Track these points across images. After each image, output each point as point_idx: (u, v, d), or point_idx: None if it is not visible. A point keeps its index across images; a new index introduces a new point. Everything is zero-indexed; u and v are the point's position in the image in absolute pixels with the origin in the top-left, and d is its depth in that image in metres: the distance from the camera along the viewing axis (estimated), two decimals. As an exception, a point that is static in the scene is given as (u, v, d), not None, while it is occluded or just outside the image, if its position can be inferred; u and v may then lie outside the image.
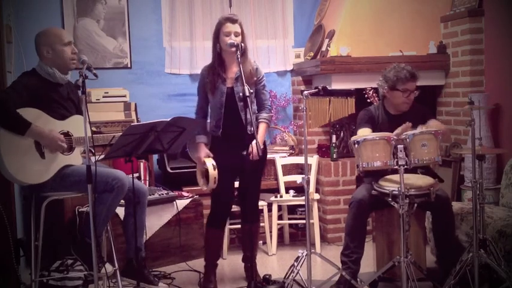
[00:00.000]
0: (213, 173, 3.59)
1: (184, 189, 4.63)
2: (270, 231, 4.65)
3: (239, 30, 3.60)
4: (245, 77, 3.48)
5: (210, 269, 3.86)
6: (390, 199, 3.28)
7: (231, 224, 4.49)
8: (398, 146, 3.25)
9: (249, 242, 3.83)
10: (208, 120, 3.78)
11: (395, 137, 3.30)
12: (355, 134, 3.68)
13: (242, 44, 3.55)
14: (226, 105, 3.66)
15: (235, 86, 3.65)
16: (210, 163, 3.61)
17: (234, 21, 3.61)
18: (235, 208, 4.12)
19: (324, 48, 5.00)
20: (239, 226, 4.10)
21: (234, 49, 3.51)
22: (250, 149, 3.53)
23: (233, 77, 3.67)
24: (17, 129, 3.13)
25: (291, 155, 5.04)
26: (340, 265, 3.60)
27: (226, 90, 3.65)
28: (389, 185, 3.37)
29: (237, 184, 3.92)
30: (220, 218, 3.83)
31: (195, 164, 3.79)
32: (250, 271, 3.71)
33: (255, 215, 3.89)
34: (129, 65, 5.12)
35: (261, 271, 3.90)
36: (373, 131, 3.64)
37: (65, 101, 3.38)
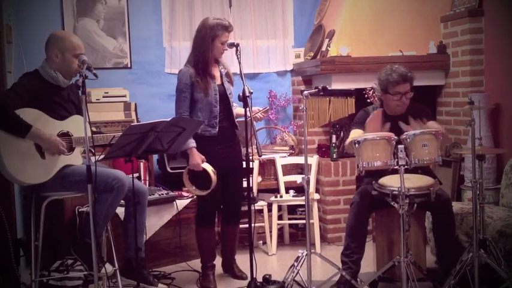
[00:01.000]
0: (214, 178, 3.61)
1: (184, 189, 4.63)
2: (270, 231, 4.65)
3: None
4: (228, 76, 3.79)
5: (208, 269, 3.87)
6: (390, 199, 3.28)
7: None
8: (399, 146, 3.25)
9: (231, 244, 3.95)
10: None
11: (396, 137, 3.30)
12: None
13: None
14: (220, 102, 3.68)
15: (224, 83, 3.76)
16: (210, 169, 3.61)
17: (231, 30, 3.70)
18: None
19: (324, 48, 5.00)
20: (240, 226, 4.11)
21: (226, 49, 3.68)
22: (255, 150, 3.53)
23: (218, 75, 3.75)
24: (17, 132, 3.13)
25: (291, 155, 5.04)
26: (340, 265, 3.60)
27: (218, 87, 3.69)
28: (389, 185, 3.36)
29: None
30: (211, 217, 3.86)
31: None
32: (251, 271, 3.69)
33: (239, 217, 3.97)
34: (129, 65, 5.12)
35: (261, 271, 3.89)
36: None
37: (65, 102, 3.38)
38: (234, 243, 4.02)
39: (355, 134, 3.58)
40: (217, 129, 3.68)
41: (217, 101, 3.67)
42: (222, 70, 3.78)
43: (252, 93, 3.47)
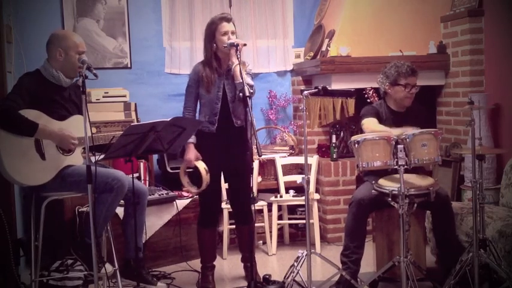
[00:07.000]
0: (206, 177, 3.59)
1: (184, 189, 4.63)
2: (270, 231, 4.65)
3: (234, 29, 3.66)
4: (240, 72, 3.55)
5: (207, 269, 3.87)
6: (390, 199, 3.28)
7: (230, 224, 4.49)
8: (398, 146, 3.25)
9: (248, 243, 3.82)
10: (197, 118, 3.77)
11: (395, 137, 3.30)
12: (356, 133, 3.68)
13: (240, 43, 3.56)
14: (223, 99, 3.67)
15: (236, 80, 3.65)
16: (202, 167, 3.60)
17: (229, 20, 3.66)
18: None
19: (324, 48, 5.00)
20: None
21: (233, 48, 3.53)
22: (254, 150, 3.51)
23: (227, 72, 3.70)
24: (26, 133, 3.14)
25: (291, 155, 5.04)
26: (340, 265, 3.60)
27: (222, 85, 3.67)
28: (389, 185, 3.37)
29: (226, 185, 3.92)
30: (212, 218, 3.85)
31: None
32: (250, 271, 3.71)
33: (251, 215, 3.90)
34: (129, 65, 5.12)
35: (261, 271, 3.90)
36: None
37: (66, 102, 3.38)
38: (247, 243, 3.79)
39: (371, 122, 3.64)
40: (215, 127, 3.67)
41: (220, 99, 3.66)
42: (236, 68, 3.57)
43: (252, 93, 3.47)
